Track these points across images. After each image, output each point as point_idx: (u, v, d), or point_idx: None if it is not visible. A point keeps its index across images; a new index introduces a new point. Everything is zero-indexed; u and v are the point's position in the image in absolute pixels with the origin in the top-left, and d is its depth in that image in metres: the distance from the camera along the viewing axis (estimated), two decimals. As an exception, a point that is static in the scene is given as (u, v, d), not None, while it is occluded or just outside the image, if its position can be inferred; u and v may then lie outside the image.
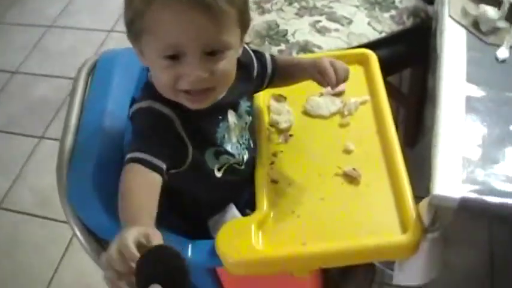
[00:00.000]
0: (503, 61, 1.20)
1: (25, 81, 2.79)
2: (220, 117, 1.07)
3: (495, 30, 1.26)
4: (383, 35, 1.71)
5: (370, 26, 1.71)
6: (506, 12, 1.27)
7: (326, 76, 1.09)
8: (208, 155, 1.06)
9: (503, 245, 1.82)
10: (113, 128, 1.11)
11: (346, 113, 1.23)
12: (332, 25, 1.72)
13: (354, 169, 1.10)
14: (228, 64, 0.95)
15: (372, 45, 1.65)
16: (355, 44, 1.66)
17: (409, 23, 1.74)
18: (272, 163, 1.16)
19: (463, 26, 1.28)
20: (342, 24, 1.72)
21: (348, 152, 1.15)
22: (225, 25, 0.91)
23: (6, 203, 2.25)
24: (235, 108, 1.11)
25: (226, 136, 1.08)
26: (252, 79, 1.16)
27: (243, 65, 1.03)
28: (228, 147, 1.09)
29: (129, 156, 0.94)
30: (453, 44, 1.24)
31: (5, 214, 2.21)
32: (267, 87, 1.23)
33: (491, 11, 1.26)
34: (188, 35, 0.89)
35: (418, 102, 1.93)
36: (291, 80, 1.22)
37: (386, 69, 1.68)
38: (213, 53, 0.92)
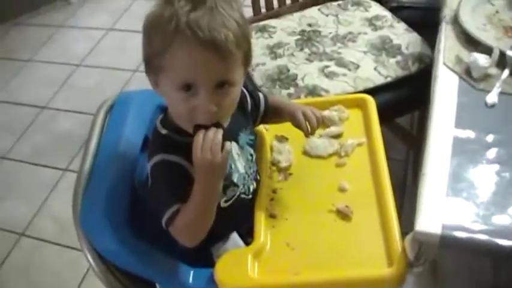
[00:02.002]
0: (492, 106, 1.27)
1: (53, 116, 2.94)
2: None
3: (486, 77, 1.33)
4: (388, 79, 1.79)
5: (376, 71, 1.80)
6: (497, 60, 1.34)
7: (301, 128, 1.24)
8: None
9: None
10: (124, 163, 1.22)
11: (342, 153, 1.31)
12: (340, 70, 1.82)
13: (346, 206, 1.18)
14: (232, 99, 1.09)
15: (377, 90, 1.74)
16: (361, 88, 1.75)
17: (414, 68, 1.82)
18: (272, 199, 1.24)
19: (456, 72, 1.36)
20: (349, 69, 1.81)
21: (342, 190, 1.23)
22: (233, 65, 1.05)
23: (29, 230, 2.36)
24: (236, 139, 1.22)
25: (233, 166, 1.18)
26: (247, 112, 1.28)
27: (239, 100, 1.15)
28: (235, 178, 1.19)
29: (167, 216, 1.07)
30: (445, 90, 1.32)
31: (26, 241, 2.33)
32: (259, 123, 1.36)
33: (482, 59, 1.34)
34: (202, 72, 1.02)
35: (420, 144, 1.99)
36: (278, 121, 1.35)
37: (391, 112, 1.76)
38: (221, 87, 1.04)
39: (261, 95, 1.33)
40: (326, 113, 1.39)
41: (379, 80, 1.78)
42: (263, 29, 2.03)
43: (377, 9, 2.07)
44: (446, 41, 1.45)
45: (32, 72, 3.25)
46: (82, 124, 2.80)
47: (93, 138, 1.27)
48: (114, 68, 3.12)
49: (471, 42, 1.43)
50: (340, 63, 1.84)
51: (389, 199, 1.18)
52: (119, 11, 3.56)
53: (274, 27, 2.05)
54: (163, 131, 1.15)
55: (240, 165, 1.22)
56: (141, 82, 2.81)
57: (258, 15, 2.14)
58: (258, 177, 1.28)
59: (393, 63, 1.82)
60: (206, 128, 1.04)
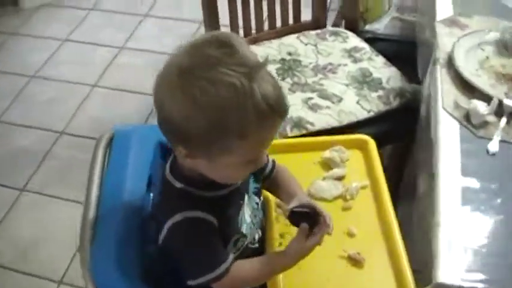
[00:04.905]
0: (494, 154, 1.29)
1: (7, 131, 2.77)
2: (241, 202, 1.14)
3: (485, 124, 1.35)
4: (371, 114, 1.81)
5: (359, 105, 1.82)
6: (495, 108, 1.37)
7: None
8: (230, 244, 1.12)
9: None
10: (131, 204, 1.17)
11: (348, 197, 1.30)
12: (323, 102, 1.82)
13: (358, 253, 1.18)
14: None
15: (360, 124, 1.77)
16: (346, 122, 1.77)
17: (395, 103, 1.85)
18: (280, 244, 1.22)
19: (455, 118, 1.37)
20: (333, 102, 1.82)
21: (351, 235, 1.23)
22: None
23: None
24: (247, 189, 1.18)
25: (242, 218, 1.15)
26: None
27: None
28: (244, 229, 1.15)
29: (211, 277, 1.04)
30: (447, 136, 1.34)
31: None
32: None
33: (481, 106, 1.36)
34: (271, 140, 1.04)
35: (396, 176, 2.02)
36: (274, 194, 1.28)
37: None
38: None
39: (270, 158, 1.25)
40: (327, 153, 1.39)
41: (362, 115, 1.80)
42: (243, 56, 2.00)
43: (355, 41, 2.08)
44: (443, 84, 1.47)
45: (-19, 83, 3.07)
46: (40, 140, 2.67)
47: (94, 176, 1.20)
48: (72, 81, 2.95)
49: (467, 87, 1.45)
50: (323, 95, 1.85)
51: (399, 241, 1.19)
52: (76, 20, 3.36)
53: (254, 54, 2.02)
54: (178, 185, 1.08)
55: (247, 215, 1.17)
56: (101, 97, 2.77)
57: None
58: (265, 225, 1.25)
59: (375, 97, 1.84)
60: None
